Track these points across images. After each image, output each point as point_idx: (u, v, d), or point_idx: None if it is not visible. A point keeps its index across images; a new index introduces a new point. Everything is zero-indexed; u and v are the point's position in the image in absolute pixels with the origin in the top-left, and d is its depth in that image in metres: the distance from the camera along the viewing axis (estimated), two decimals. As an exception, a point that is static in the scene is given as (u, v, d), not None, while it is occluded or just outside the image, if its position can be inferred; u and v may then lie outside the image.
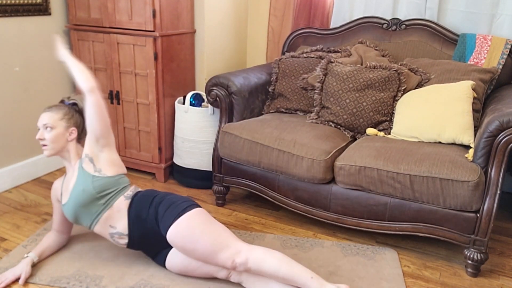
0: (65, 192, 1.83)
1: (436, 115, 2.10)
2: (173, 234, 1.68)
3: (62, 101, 1.92)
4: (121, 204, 1.79)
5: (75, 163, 1.83)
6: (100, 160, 1.79)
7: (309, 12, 3.00)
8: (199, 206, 1.79)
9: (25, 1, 2.55)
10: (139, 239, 1.79)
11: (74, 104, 1.91)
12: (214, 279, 1.80)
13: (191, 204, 1.76)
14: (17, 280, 1.78)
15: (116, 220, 1.78)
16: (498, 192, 1.79)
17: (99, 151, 1.79)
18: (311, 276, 1.59)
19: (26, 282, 1.77)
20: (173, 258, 1.79)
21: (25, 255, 1.86)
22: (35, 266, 1.86)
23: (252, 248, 1.64)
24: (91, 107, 1.71)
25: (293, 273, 1.59)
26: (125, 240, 1.80)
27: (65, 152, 1.84)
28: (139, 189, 1.90)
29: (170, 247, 1.78)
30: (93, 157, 1.79)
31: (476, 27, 2.53)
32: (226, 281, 1.78)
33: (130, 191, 1.84)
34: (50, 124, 1.78)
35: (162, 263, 1.84)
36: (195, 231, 1.66)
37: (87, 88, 1.69)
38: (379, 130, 2.29)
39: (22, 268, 1.79)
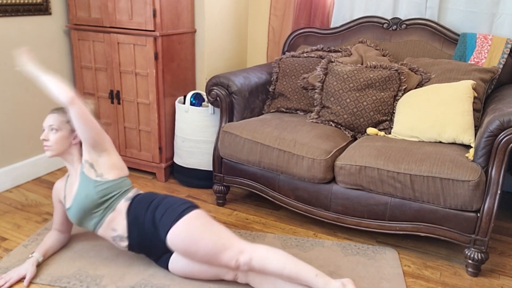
0: (68, 195, 1.83)
1: (436, 114, 2.10)
2: (172, 238, 1.67)
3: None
4: (122, 206, 1.78)
5: (78, 167, 1.83)
6: (100, 165, 1.78)
7: (309, 12, 3.00)
8: (198, 207, 1.76)
9: (26, 1, 2.55)
10: (138, 242, 1.78)
11: None
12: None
13: (189, 206, 1.73)
14: (21, 280, 1.77)
15: (117, 223, 1.78)
16: (499, 191, 1.79)
17: (97, 156, 1.78)
18: (315, 274, 1.58)
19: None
20: (176, 263, 1.76)
21: (30, 255, 1.86)
22: (38, 266, 1.85)
23: (255, 247, 1.63)
24: (76, 119, 1.67)
25: (298, 271, 1.57)
26: (125, 243, 1.79)
27: (68, 155, 1.83)
28: (140, 192, 1.89)
29: (171, 251, 1.76)
30: (93, 162, 1.78)
31: (477, 27, 2.53)
32: (228, 281, 1.78)
33: (131, 193, 1.83)
34: (56, 126, 1.78)
35: (165, 266, 1.82)
36: (195, 233, 1.65)
37: (67, 100, 1.63)
38: (380, 130, 2.29)
39: (27, 268, 1.79)
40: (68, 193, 1.83)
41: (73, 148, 1.83)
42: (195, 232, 1.66)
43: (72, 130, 1.79)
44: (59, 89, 1.65)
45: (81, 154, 1.83)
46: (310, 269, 1.60)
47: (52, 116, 1.80)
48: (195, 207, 1.75)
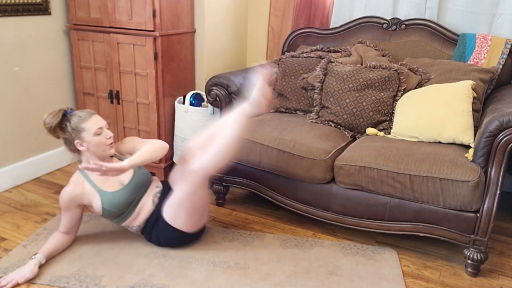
0: (111, 183, 1.96)
1: (436, 115, 2.10)
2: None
3: (64, 111, 1.94)
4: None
5: (111, 158, 2.04)
6: None
7: (309, 12, 3.00)
8: None
9: (25, 1, 2.55)
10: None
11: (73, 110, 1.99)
12: (214, 278, 1.81)
13: None
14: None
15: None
16: (498, 192, 1.79)
17: None
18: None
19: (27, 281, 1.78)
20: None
21: (33, 256, 1.86)
22: (40, 267, 1.85)
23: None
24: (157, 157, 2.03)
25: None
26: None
27: None
28: None
29: None
30: None
31: (476, 27, 2.53)
32: (226, 280, 1.78)
33: None
34: (106, 125, 1.99)
35: (162, 225, 1.99)
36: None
37: (164, 153, 2.02)
38: (379, 130, 2.29)
39: (29, 269, 1.79)
40: (105, 182, 1.95)
41: None
42: None
43: None
44: (151, 152, 1.95)
45: None
46: None
47: (98, 116, 1.95)
48: None
